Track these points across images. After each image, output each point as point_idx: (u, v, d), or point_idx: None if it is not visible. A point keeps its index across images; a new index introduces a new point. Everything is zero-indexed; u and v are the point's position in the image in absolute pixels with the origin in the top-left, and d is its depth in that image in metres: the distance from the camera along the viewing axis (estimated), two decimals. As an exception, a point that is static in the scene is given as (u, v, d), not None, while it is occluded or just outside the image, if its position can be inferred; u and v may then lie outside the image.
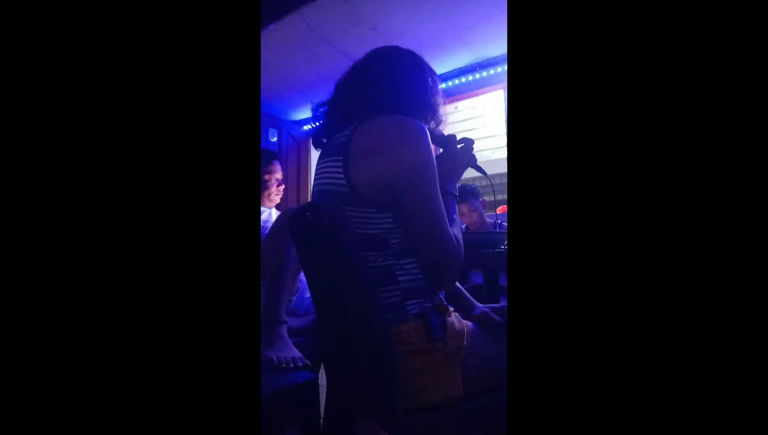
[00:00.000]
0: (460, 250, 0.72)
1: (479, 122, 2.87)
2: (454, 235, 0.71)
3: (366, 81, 0.80)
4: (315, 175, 0.81)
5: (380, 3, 1.99)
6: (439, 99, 0.84)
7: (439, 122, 0.84)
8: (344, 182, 0.70)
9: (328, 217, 0.64)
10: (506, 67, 2.19)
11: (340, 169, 0.70)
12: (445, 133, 0.87)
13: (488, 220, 2.19)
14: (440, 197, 0.70)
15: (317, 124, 0.85)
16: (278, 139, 3.04)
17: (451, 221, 0.74)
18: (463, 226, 2.12)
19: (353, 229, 0.68)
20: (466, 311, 0.85)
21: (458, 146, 0.85)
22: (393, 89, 0.78)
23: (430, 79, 0.83)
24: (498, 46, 2.40)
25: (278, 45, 2.27)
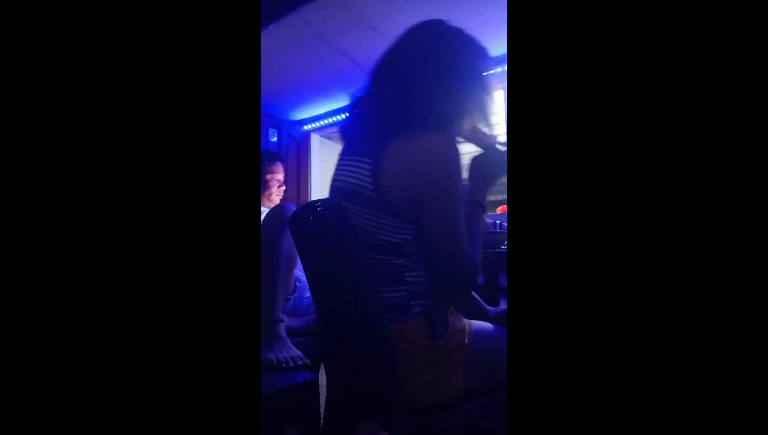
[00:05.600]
0: (476, 271, 0.73)
1: (493, 123, 2.86)
2: (471, 255, 0.71)
3: (403, 82, 0.73)
4: (337, 169, 0.78)
5: (380, 3, 1.99)
6: (487, 97, 0.78)
7: (484, 121, 0.80)
8: (371, 187, 0.69)
9: (329, 216, 0.64)
10: (506, 67, 2.19)
11: (369, 173, 0.69)
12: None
13: (488, 220, 2.19)
14: (462, 218, 0.69)
15: (348, 114, 0.80)
16: (278, 139, 3.04)
17: (474, 236, 0.73)
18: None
19: (357, 230, 0.68)
20: (479, 316, 0.85)
21: (500, 148, 0.81)
22: (433, 96, 0.71)
23: (476, 75, 0.76)
24: (498, 46, 2.40)
25: (278, 45, 2.27)
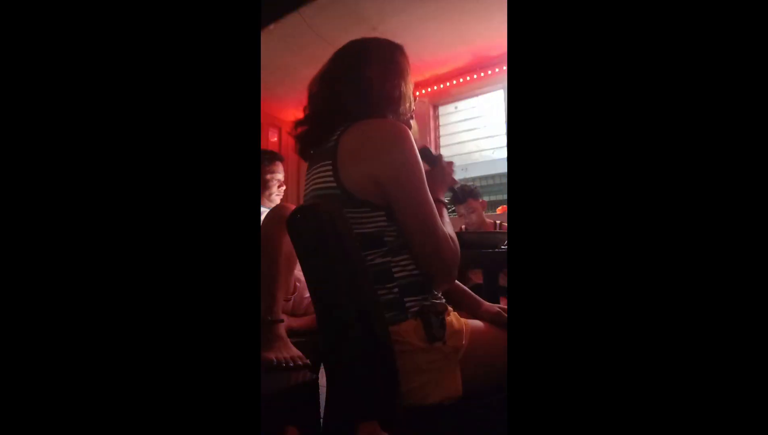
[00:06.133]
0: (455, 246, 0.74)
1: (479, 122, 2.87)
2: (447, 232, 0.73)
3: (339, 81, 0.81)
4: (306, 184, 0.83)
5: (380, 3, 1.99)
6: (409, 91, 0.86)
7: (411, 104, 0.87)
8: (335, 185, 0.72)
9: (327, 216, 0.64)
10: (506, 67, 2.19)
11: (330, 174, 0.73)
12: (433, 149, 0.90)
13: (488, 220, 2.19)
14: (429, 194, 0.72)
15: (298, 135, 0.87)
16: (278, 139, 3.04)
17: (444, 221, 0.75)
18: (463, 227, 2.12)
19: (352, 228, 0.68)
20: (471, 309, 0.85)
21: (441, 165, 0.89)
22: (367, 89, 0.79)
23: (396, 66, 0.84)
24: (498, 46, 2.40)
25: (278, 45, 2.27)
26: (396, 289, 0.70)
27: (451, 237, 0.73)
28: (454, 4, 1.98)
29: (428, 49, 2.39)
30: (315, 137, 0.82)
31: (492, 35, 2.26)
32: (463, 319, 0.75)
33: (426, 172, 0.76)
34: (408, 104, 0.85)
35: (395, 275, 0.71)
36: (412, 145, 0.72)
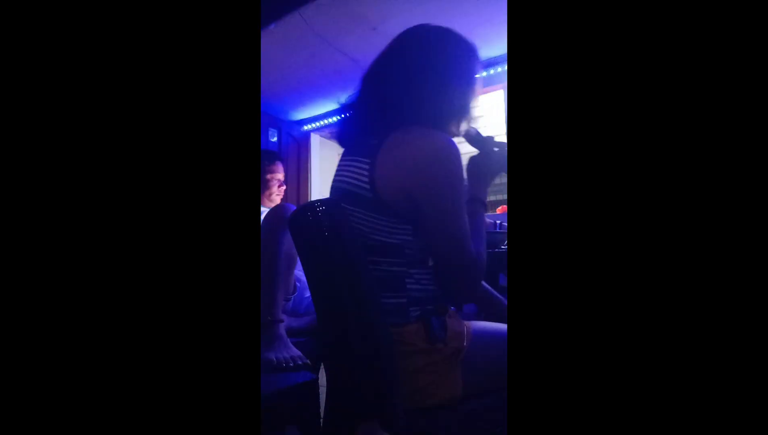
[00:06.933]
0: (481, 267, 0.71)
1: (479, 122, 2.87)
2: (475, 250, 0.70)
3: (396, 82, 0.74)
4: (337, 171, 0.79)
5: (380, 3, 1.99)
6: (475, 97, 0.79)
7: (471, 120, 0.80)
8: (368, 187, 0.69)
9: (329, 216, 0.64)
10: (506, 67, 2.19)
11: (366, 173, 0.70)
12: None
13: (488, 220, 2.18)
14: (465, 215, 0.69)
15: (342, 117, 0.81)
16: (278, 139, 3.04)
17: (476, 232, 0.72)
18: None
19: (357, 231, 0.68)
20: (496, 309, 0.85)
21: (495, 149, 0.82)
22: (427, 96, 0.72)
23: (469, 75, 0.77)
24: (498, 46, 2.39)
25: (278, 45, 2.26)
26: (404, 299, 0.70)
27: (478, 255, 0.71)
28: (454, 4, 1.98)
29: (428, 49, 2.38)
30: (359, 128, 0.78)
31: (492, 35, 2.26)
32: (465, 322, 0.75)
33: (472, 159, 0.72)
34: (468, 120, 0.78)
35: (407, 286, 0.70)
36: (458, 164, 0.68)
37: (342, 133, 0.82)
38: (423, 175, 0.67)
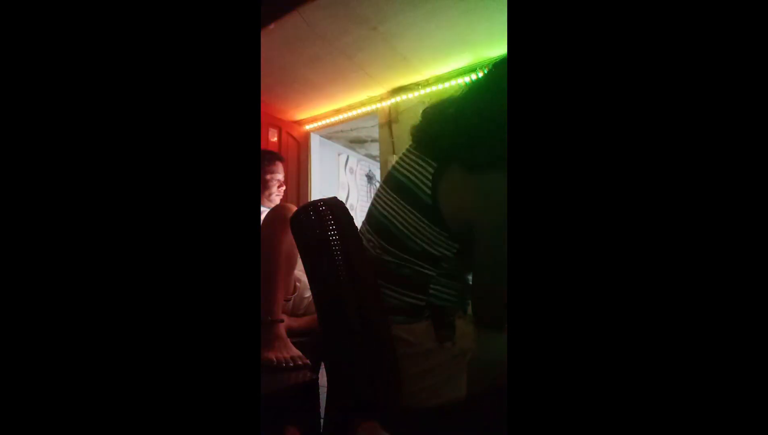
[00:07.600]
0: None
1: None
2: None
3: (491, 117, 0.69)
4: (401, 158, 0.76)
5: (380, 3, 1.99)
6: None
7: None
8: (429, 193, 0.68)
9: (330, 216, 0.64)
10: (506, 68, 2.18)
11: (429, 178, 0.69)
12: None
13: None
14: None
15: (441, 108, 0.75)
16: (278, 139, 3.04)
17: None
18: None
19: (396, 226, 0.67)
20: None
21: None
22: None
23: None
24: (498, 46, 2.40)
25: (278, 45, 2.27)
26: (423, 303, 0.70)
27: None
28: (454, 4, 1.98)
29: (428, 49, 2.39)
30: (448, 129, 0.72)
31: (492, 35, 2.26)
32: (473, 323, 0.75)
33: None
34: None
35: (429, 292, 0.70)
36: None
37: (430, 123, 0.75)
38: (484, 207, 0.66)
